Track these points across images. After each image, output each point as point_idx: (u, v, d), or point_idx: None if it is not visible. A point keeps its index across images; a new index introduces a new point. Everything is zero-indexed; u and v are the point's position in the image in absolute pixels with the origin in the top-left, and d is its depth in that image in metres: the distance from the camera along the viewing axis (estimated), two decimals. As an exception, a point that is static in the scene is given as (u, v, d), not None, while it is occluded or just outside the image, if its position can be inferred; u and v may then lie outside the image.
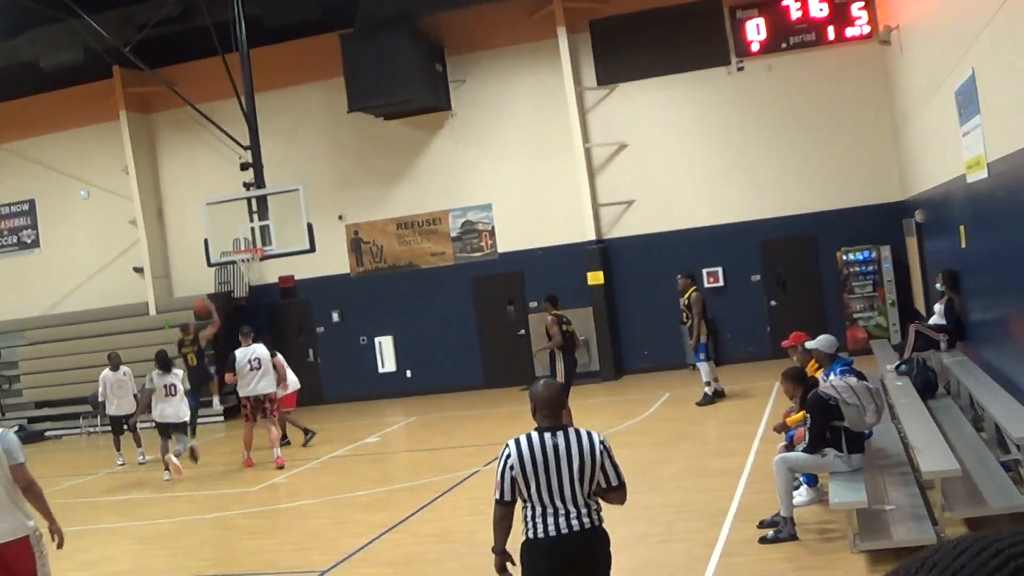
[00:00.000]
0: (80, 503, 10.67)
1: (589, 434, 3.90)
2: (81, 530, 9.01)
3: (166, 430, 11.16)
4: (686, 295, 11.99)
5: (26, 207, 18.75)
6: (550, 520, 3.79)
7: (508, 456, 3.88)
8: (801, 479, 6.90)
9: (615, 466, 3.86)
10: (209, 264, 14.06)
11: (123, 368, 13.07)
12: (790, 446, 6.68)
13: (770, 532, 6.27)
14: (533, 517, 3.82)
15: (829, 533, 6.28)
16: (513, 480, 3.86)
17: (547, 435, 3.86)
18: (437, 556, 7.10)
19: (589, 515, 3.83)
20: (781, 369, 7.22)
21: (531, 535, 3.83)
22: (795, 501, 6.51)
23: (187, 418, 11.47)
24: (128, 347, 16.98)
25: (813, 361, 7.21)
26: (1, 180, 18.86)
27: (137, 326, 17.52)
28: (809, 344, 7.21)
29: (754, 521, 6.54)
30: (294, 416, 12.57)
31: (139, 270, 17.69)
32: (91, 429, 16.58)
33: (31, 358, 17.96)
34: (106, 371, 13.12)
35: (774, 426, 7.27)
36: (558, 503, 3.82)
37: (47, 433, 17.28)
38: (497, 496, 3.87)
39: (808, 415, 6.39)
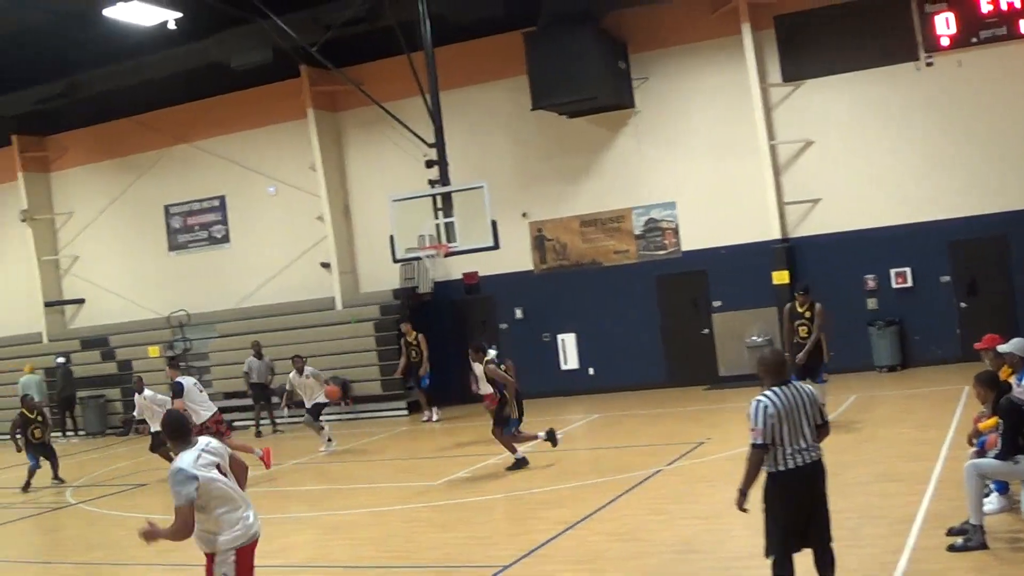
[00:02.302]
0: (268, 492, 12.34)
1: (801, 385, 5.66)
2: (268, 519, 11.00)
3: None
4: (805, 308, 12.32)
5: (217, 203, 21.66)
6: (796, 456, 5.48)
7: (766, 407, 5.43)
8: (992, 486, 7.21)
9: (821, 407, 5.69)
10: (394, 260, 16.22)
11: (307, 370, 15.50)
12: (981, 452, 7.10)
13: (959, 540, 6.60)
14: (783, 455, 5.47)
15: (1020, 543, 6.67)
16: (772, 426, 5.42)
17: (782, 389, 5.52)
18: (619, 554, 7.69)
19: (818, 449, 5.60)
20: (971, 373, 7.78)
21: (780, 468, 5.48)
22: (986, 509, 6.80)
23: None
24: (314, 341, 19.54)
25: (1006, 366, 7.55)
26: (193, 177, 21.77)
27: (323, 320, 19.97)
28: (1002, 348, 7.56)
29: (943, 528, 6.91)
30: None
31: (326, 265, 20.14)
32: (278, 420, 18.78)
33: (221, 350, 20.68)
34: (292, 374, 15.61)
35: (968, 436, 7.85)
36: (800, 441, 5.49)
37: (235, 423, 19.73)
38: (758, 441, 5.43)
39: (1000, 420, 6.82)
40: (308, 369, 15.45)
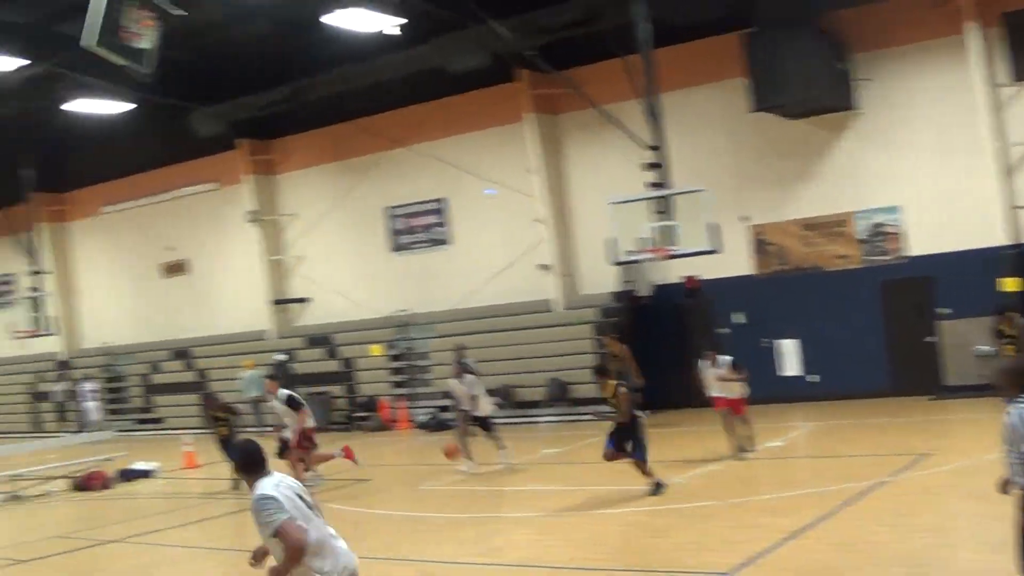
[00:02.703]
0: (485, 491, 14.53)
1: None
2: (485, 517, 12.71)
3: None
4: (1005, 325, 13.43)
5: (437, 205, 25.16)
6: None
7: None
8: None
9: None
10: (613, 263, 18.68)
11: (468, 378, 16.77)
12: None
13: None
14: None
15: None
16: None
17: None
18: (842, 566, 8.47)
19: None
20: None
21: None
22: None
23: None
24: (531, 343, 22.50)
25: None
26: (415, 179, 25.34)
27: (542, 322, 22.95)
28: None
29: None
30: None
31: (545, 267, 22.98)
32: (504, 420, 21.84)
33: (441, 349, 23.93)
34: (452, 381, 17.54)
35: None
36: None
37: (452, 423, 22.76)
38: None
39: None
40: (469, 377, 16.68)
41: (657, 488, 12.55)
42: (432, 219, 25.77)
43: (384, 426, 24.62)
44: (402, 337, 25.65)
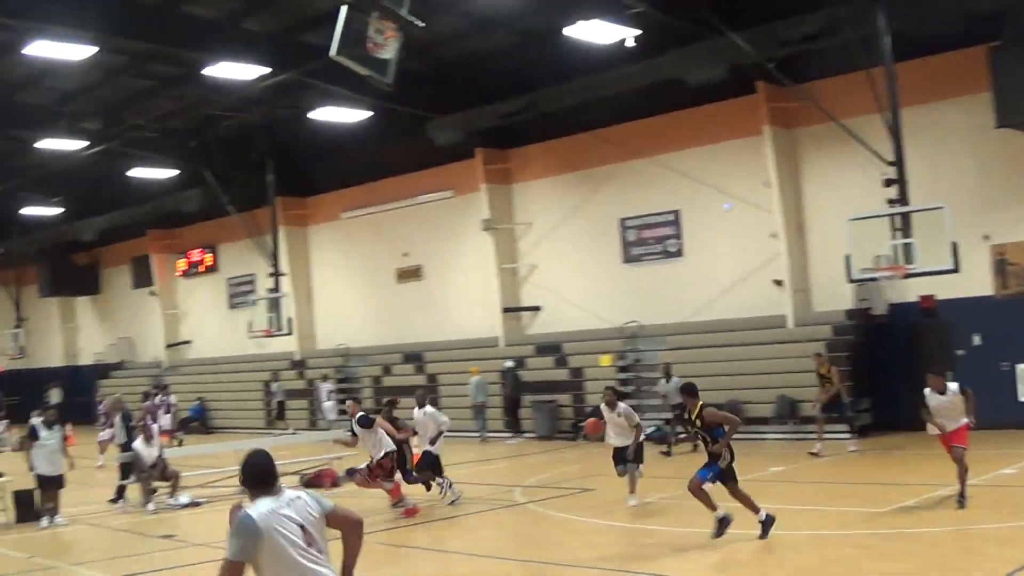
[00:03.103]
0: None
1: None
2: (705, 533, 13.26)
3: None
4: None
5: (671, 217, 27.86)
6: None
7: None
8: None
9: None
10: (849, 280, 21.08)
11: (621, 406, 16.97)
12: None
13: None
14: None
15: None
16: None
17: None
18: None
19: None
20: None
21: None
22: None
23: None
24: (763, 358, 24.63)
25: None
26: (649, 191, 28.09)
27: (773, 338, 25.17)
28: None
29: None
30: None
31: (779, 283, 25.36)
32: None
33: (670, 362, 26.38)
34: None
35: None
36: None
37: (681, 436, 25.02)
38: None
39: None
40: (621, 406, 16.81)
41: (721, 524, 12.89)
42: (665, 231, 28.41)
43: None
44: (631, 348, 28.36)
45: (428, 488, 17.97)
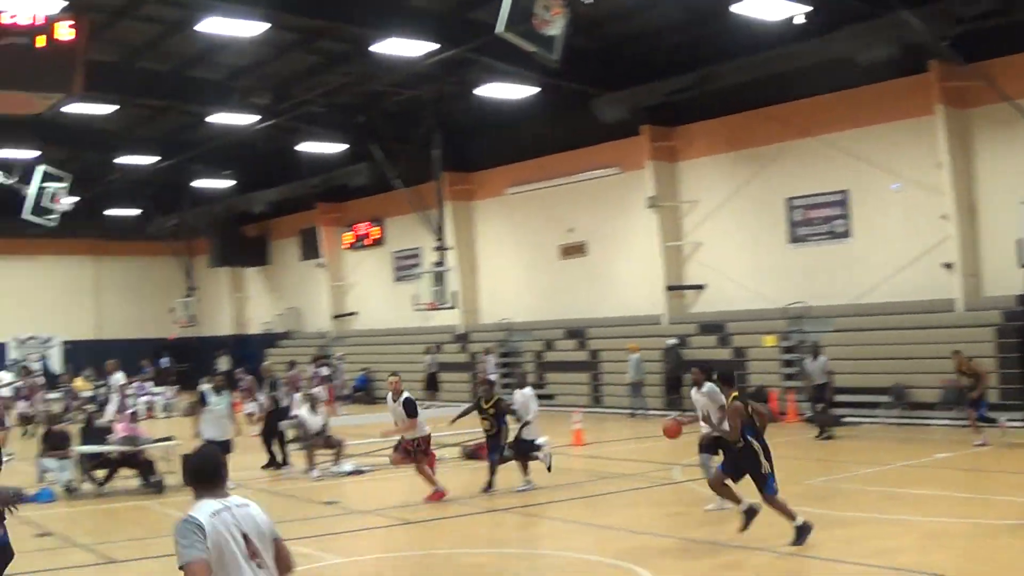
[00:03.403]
0: (872, 491, 16.32)
1: None
2: (871, 518, 13.98)
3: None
4: None
5: (839, 197, 28.49)
6: None
7: None
8: None
9: None
10: (1021, 264, 21.16)
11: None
12: None
13: None
14: None
15: None
16: None
17: None
18: None
19: None
20: None
21: None
22: None
23: None
24: (930, 343, 25.26)
25: None
26: (815, 170, 28.90)
27: (941, 322, 25.87)
28: None
29: None
30: None
31: (948, 266, 25.89)
32: (895, 419, 25.07)
33: (835, 344, 27.17)
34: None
35: None
36: None
37: (844, 419, 25.94)
38: None
39: None
40: (708, 385, 15.48)
41: (750, 512, 12.67)
42: (832, 211, 29.08)
43: (772, 418, 28.02)
44: (796, 329, 29.16)
45: (526, 470, 18.03)
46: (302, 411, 21.35)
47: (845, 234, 28.94)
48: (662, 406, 30.71)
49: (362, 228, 46.01)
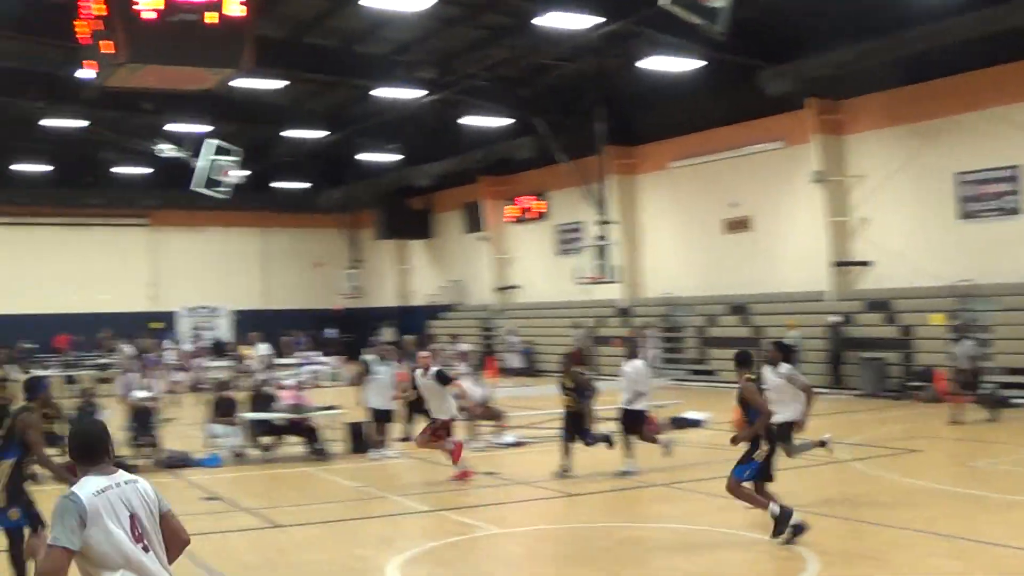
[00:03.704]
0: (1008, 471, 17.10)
1: None
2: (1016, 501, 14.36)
3: None
4: None
5: (1009, 173, 28.91)
6: None
7: None
8: None
9: None
10: None
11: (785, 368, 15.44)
12: None
13: None
14: None
15: None
16: None
17: None
18: None
19: None
20: None
21: None
22: None
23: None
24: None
25: None
26: (986, 145, 29.47)
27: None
28: None
29: None
30: None
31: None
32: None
33: (1005, 324, 27.57)
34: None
35: None
36: None
37: (1013, 400, 26.46)
38: None
39: None
40: (785, 366, 15.22)
41: (779, 522, 12.19)
42: (1004, 187, 29.39)
43: (938, 398, 27.68)
44: (964, 308, 29.59)
45: (610, 446, 18.06)
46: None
47: (1015, 211, 29.21)
48: (828, 384, 31.10)
49: (525, 201, 47.40)
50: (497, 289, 49.67)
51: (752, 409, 12.60)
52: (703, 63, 30.92)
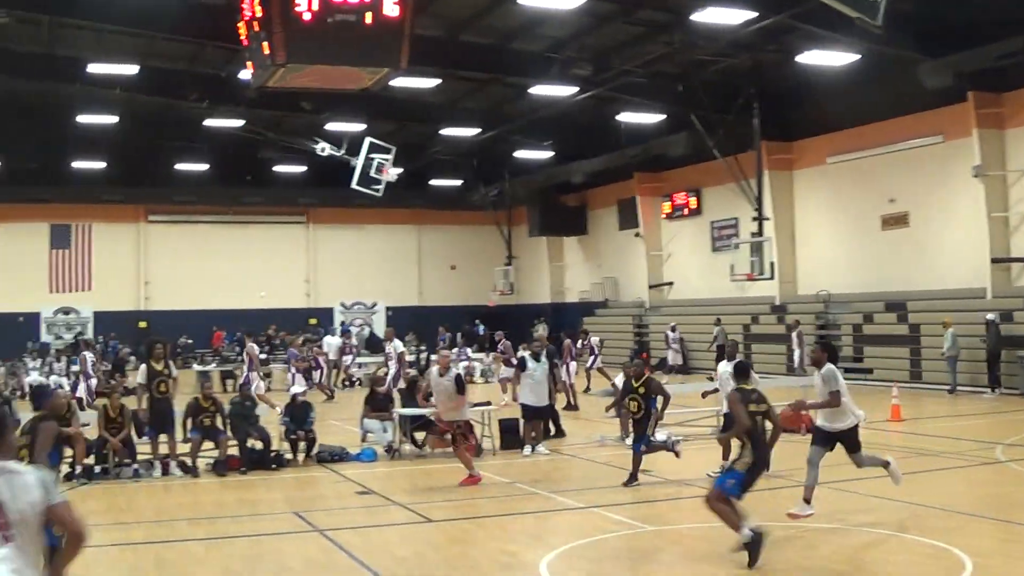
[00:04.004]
0: None
1: None
2: None
3: None
4: None
5: None
6: None
7: None
8: None
9: None
10: None
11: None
12: None
13: None
14: None
15: None
16: None
17: None
18: None
19: None
20: None
21: None
22: None
23: None
24: None
25: None
26: None
27: None
28: None
29: None
30: None
31: None
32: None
33: None
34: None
35: None
36: None
37: None
38: None
39: None
40: (828, 367, 14.48)
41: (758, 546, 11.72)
42: None
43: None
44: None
45: (677, 455, 18.06)
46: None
47: None
48: (987, 383, 31.38)
49: (680, 198, 48.42)
50: (651, 286, 50.62)
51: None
52: (860, 57, 31.46)
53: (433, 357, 23.13)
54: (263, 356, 38.54)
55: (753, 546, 11.61)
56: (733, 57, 35.78)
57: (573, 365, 32.34)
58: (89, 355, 34.58)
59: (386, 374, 29.75)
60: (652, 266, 50.68)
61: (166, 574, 12.21)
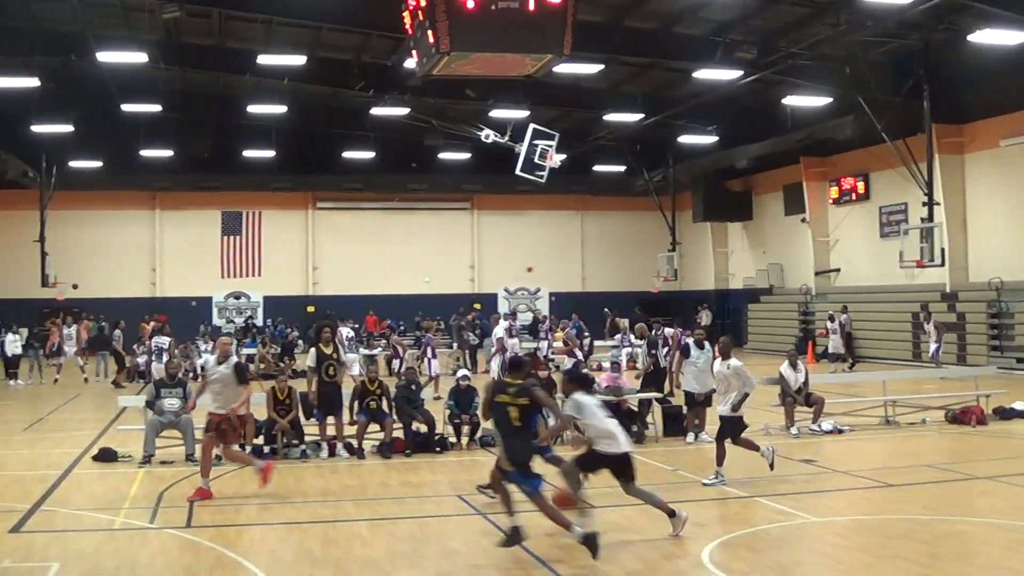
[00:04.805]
0: None
1: None
2: None
3: None
4: None
5: None
6: None
7: None
8: None
9: None
10: None
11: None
12: None
13: None
14: None
15: None
16: None
17: None
18: None
19: None
20: None
21: None
22: None
23: None
24: None
25: None
26: None
27: None
28: None
29: None
30: None
31: None
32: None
33: None
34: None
35: None
36: None
37: None
38: None
39: None
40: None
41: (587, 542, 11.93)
42: None
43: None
44: None
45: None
46: (783, 367, 22.50)
47: None
48: None
49: (847, 182, 47.81)
50: (817, 273, 50.12)
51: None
52: (1036, 36, 30.76)
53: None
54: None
55: (590, 540, 11.91)
56: (901, 37, 35.29)
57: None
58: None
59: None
60: (818, 252, 50.12)
61: (332, 553, 12.61)
